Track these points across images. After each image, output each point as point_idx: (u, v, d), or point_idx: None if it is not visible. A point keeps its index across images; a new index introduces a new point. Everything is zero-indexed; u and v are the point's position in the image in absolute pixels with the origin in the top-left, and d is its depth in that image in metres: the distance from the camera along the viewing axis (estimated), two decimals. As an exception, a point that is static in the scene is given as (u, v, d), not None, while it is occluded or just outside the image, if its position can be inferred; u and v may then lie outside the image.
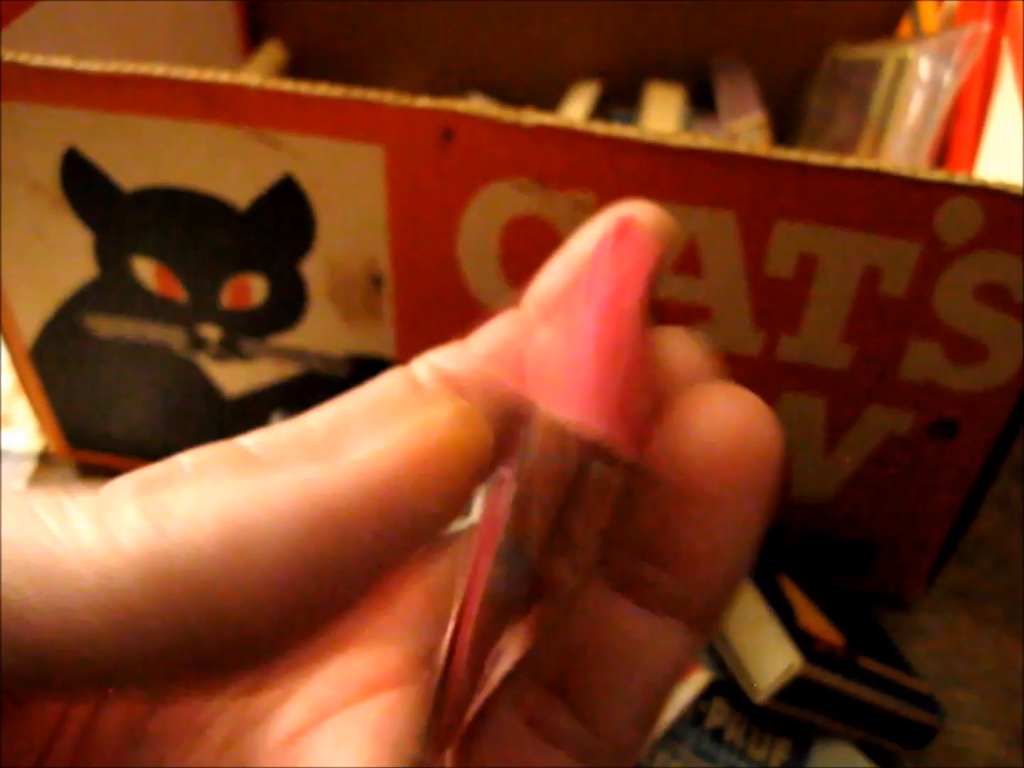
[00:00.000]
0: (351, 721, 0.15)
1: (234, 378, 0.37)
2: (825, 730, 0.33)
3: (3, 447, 0.44)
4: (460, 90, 0.53)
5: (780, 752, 0.33)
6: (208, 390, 0.38)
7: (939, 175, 0.28)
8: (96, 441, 0.42)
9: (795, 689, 0.31)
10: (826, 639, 0.33)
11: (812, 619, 0.33)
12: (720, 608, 0.15)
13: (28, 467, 0.44)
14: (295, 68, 0.56)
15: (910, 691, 0.34)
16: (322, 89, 0.29)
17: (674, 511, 0.14)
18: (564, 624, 0.15)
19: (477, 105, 0.29)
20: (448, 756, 0.16)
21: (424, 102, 0.29)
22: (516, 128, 0.29)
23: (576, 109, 0.50)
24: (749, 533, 0.14)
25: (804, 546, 0.38)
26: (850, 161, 0.28)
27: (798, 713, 0.32)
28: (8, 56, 0.30)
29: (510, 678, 0.16)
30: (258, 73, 0.53)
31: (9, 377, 0.47)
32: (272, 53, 0.55)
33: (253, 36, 0.56)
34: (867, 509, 0.37)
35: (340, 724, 0.15)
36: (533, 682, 0.15)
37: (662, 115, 0.49)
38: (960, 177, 0.28)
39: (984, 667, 0.38)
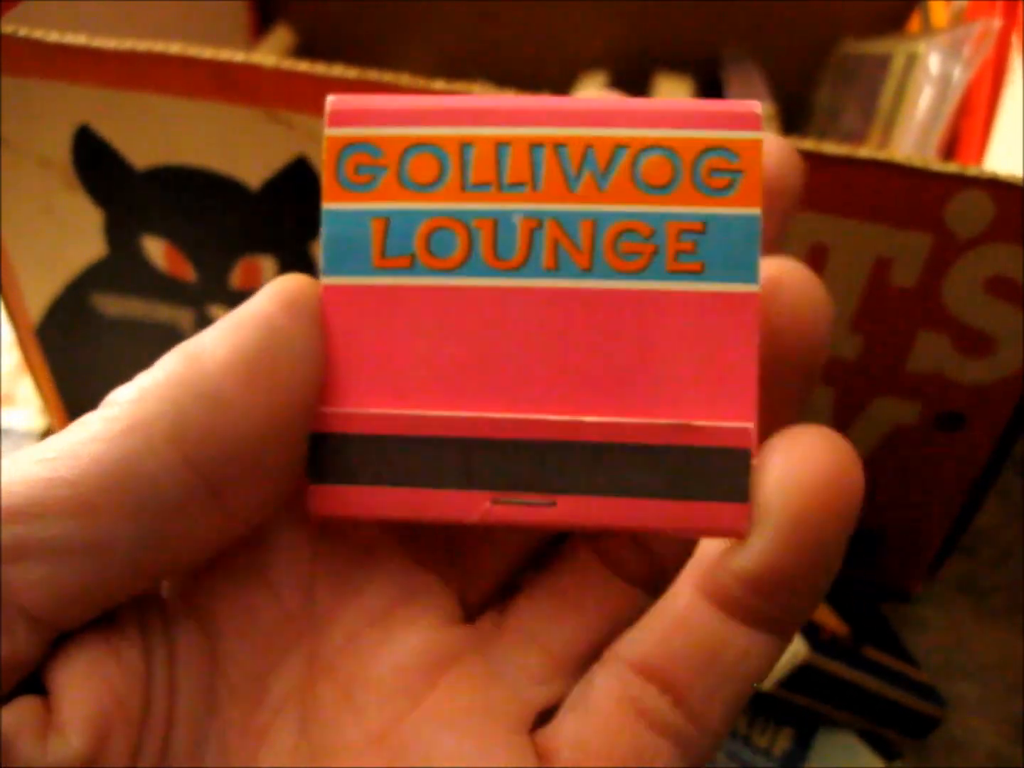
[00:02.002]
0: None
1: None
2: (828, 719, 0.33)
3: (6, 425, 0.44)
4: (468, 78, 0.53)
5: (783, 740, 0.33)
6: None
7: (951, 167, 0.28)
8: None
9: (800, 677, 0.31)
10: (831, 628, 0.33)
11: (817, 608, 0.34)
12: (804, 622, 0.17)
13: (31, 445, 0.44)
14: (304, 52, 0.56)
15: (913, 681, 0.34)
16: (337, 70, 0.29)
17: (780, 551, 0.15)
18: (671, 631, 0.17)
19: (493, 89, 0.29)
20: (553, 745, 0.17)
21: (439, 85, 0.29)
22: (532, 112, 0.29)
23: (584, 99, 0.50)
24: (839, 560, 0.16)
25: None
26: (863, 152, 0.28)
27: (802, 701, 0.32)
28: (22, 32, 0.30)
29: (609, 664, 0.17)
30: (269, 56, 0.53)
31: (14, 355, 0.47)
32: (281, 37, 0.55)
33: (263, 19, 0.56)
34: (871, 500, 0.37)
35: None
36: (637, 674, 0.17)
37: (670, 106, 0.49)
38: (972, 169, 0.28)
39: (985, 659, 0.38)
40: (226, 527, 0.16)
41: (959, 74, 0.39)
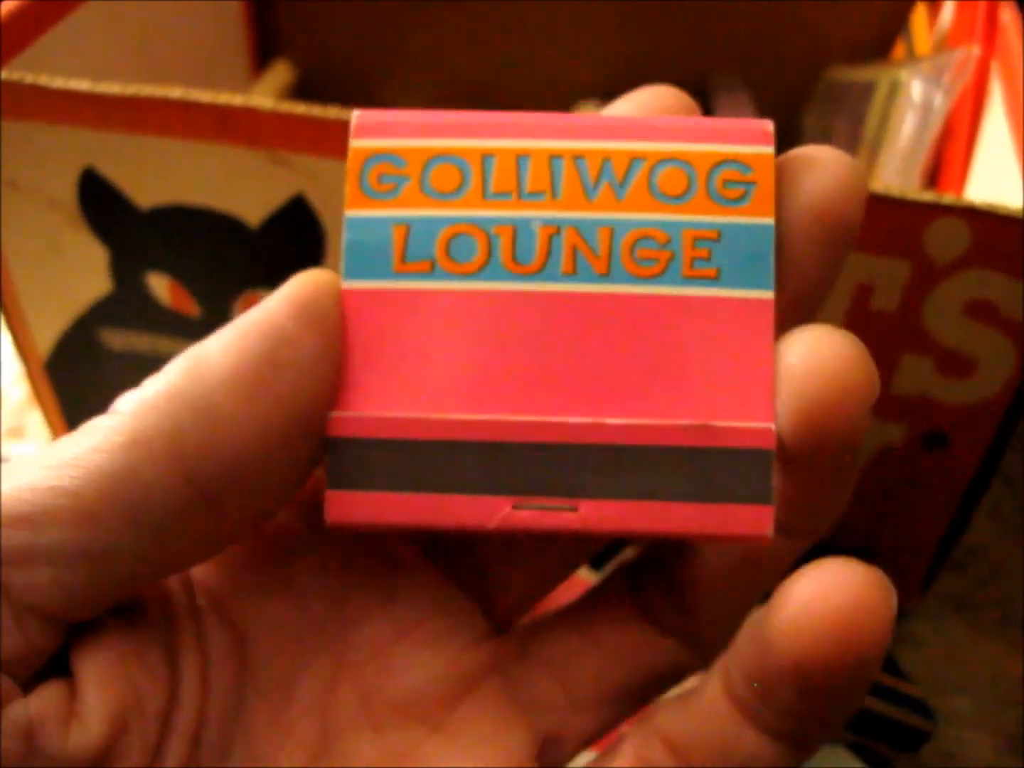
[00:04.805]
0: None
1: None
2: (820, 734, 0.34)
3: (16, 457, 0.45)
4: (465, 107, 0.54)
5: (776, 755, 0.34)
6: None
7: (927, 196, 0.29)
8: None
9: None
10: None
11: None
12: (824, 740, 0.17)
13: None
14: (304, 87, 0.57)
15: (904, 696, 0.34)
16: (333, 112, 0.30)
17: (786, 671, 0.15)
18: (695, 717, 0.17)
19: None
20: None
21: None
22: (520, 150, 0.30)
23: (578, 128, 0.51)
24: (859, 695, 0.15)
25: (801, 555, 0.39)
26: (842, 182, 0.29)
27: (793, 717, 0.33)
28: (29, 79, 0.32)
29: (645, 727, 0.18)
30: (267, 92, 0.54)
31: (24, 389, 0.48)
32: (281, 72, 0.56)
33: (263, 55, 0.57)
34: (861, 519, 0.37)
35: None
36: (663, 745, 0.17)
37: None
38: (947, 198, 0.29)
39: (977, 674, 0.39)
40: (225, 533, 0.16)
41: (940, 101, 0.40)
